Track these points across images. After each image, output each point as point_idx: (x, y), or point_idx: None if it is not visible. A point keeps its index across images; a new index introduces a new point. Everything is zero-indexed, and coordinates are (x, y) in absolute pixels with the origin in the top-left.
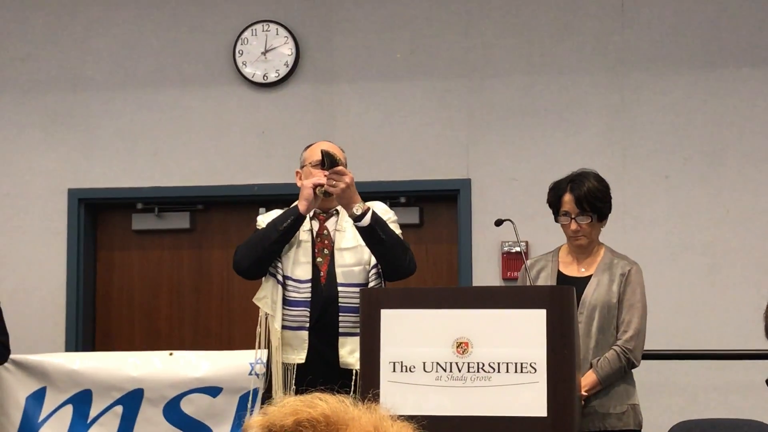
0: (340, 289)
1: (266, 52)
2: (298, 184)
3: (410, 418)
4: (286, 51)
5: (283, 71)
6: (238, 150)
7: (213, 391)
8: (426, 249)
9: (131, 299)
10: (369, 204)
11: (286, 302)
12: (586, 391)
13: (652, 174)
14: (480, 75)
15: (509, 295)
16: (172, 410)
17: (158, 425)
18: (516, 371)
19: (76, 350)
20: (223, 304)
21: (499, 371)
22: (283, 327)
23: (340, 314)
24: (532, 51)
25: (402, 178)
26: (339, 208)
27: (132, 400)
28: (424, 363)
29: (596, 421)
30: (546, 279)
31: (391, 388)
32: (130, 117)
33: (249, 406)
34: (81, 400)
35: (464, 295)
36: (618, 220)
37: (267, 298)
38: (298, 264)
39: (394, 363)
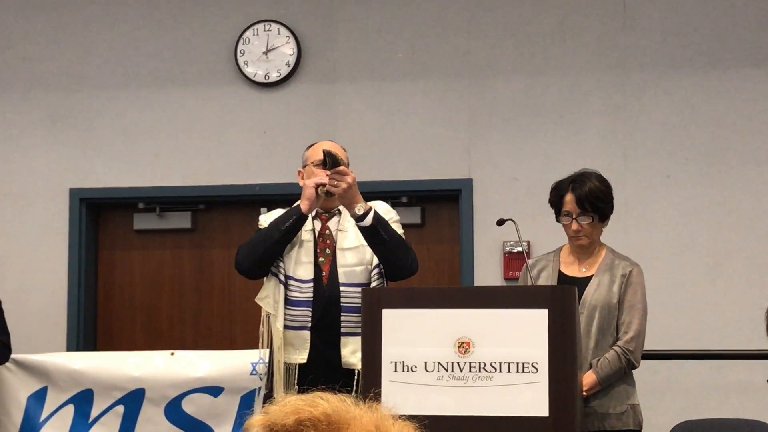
0: (342, 289)
1: (268, 51)
2: (300, 184)
3: (412, 418)
4: (287, 51)
5: (285, 71)
6: (240, 150)
7: (214, 390)
8: (427, 249)
9: (132, 299)
10: (371, 204)
11: (288, 302)
12: (585, 391)
13: (654, 174)
14: (482, 75)
15: (511, 295)
16: (174, 410)
17: (159, 425)
18: (517, 371)
19: (78, 350)
20: (225, 303)
21: (500, 371)
22: (285, 327)
23: (342, 314)
24: (534, 51)
25: (403, 178)
26: (341, 207)
27: (133, 400)
28: (425, 363)
29: (596, 421)
30: (547, 279)
31: (392, 388)
32: (131, 117)
33: (250, 405)
34: (82, 400)
35: (466, 295)
36: (620, 220)
37: (269, 297)
38: (300, 264)
39: (396, 363)
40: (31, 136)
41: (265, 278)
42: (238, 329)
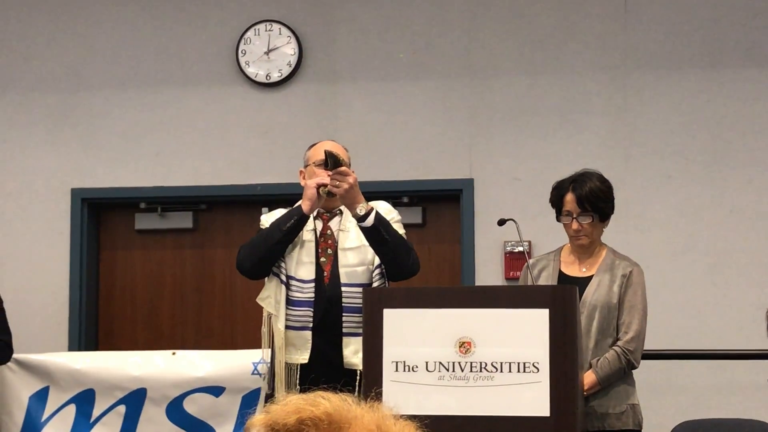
0: (343, 289)
1: (269, 51)
2: (302, 184)
3: (413, 418)
4: (288, 51)
5: (286, 71)
6: (241, 150)
7: (216, 390)
8: (429, 249)
9: (134, 299)
10: (373, 204)
11: (290, 302)
12: (585, 391)
13: (655, 174)
14: (483, 75)
15: (512, 295)
16: (175, 410)
17: (161, 425)
18: (519, 371)
19: (79, 350)
20: (226, 303)
21: (501, 371)
22: (287, 327)
23: (343, 314)
24: (535, 51)
25: (405, 178)
26: (342, 207)
27: (135, 400)
28: (426, 362)
29: (595, 421)
30: (547, 278)
31: (393, 388)
32: (133, 117)
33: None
34: (84, 400)
35: (467, 295)
36: (621, 220)
37: (270, 298)
38: (302, 264)
39: (397, 362)
40: (32, 136)
41: (266, 278)
42: (240, 329)
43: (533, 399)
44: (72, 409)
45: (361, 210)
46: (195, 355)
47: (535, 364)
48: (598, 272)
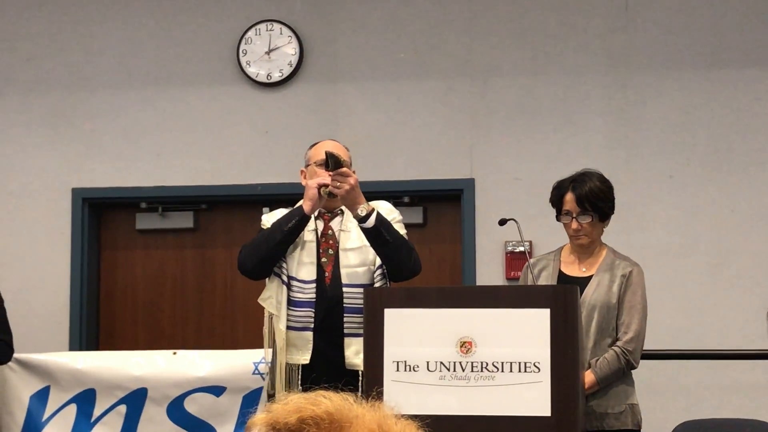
0: (344, 289)
1: (270, 51)
2: (303, 183)
3: (414, 418)
4: (289, 51)
5: (287, 71)
6: (242, 149)
7: (216, 390)
8: (429, 249)
9: (135, 298)
10: (374, 203)
11: (291, 303)
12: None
13: (656, 174)
14: (484, 75)
15: (513, 295)
16: (176, 409)
17: (162, 424)
18: (520, 371)
19: (80, 349)
20: (227, 303)
21: (502, 371)
22: (288, 327)
23: (344, 315)
24: (536, 51)
25: (405, 178)
26: (344, 207)
27: (135, 400)
28: (427, 362)
29: (594, 421)
30: (547, 278)
31: (394, 388)
32: (133, 116)
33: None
34: (85, 400)
35: (468, 295)
36: (622, 219)
37: (272, 298)
38: (303, 264)
39: (398, 362)
40: (33, 136)
41: (267, 279)
42: (240, 329)
43: (534, 399)
44: (73, 408)
45: (362, 211)
46: (196, 354)
47: (536, 364)
48: (597, 272)
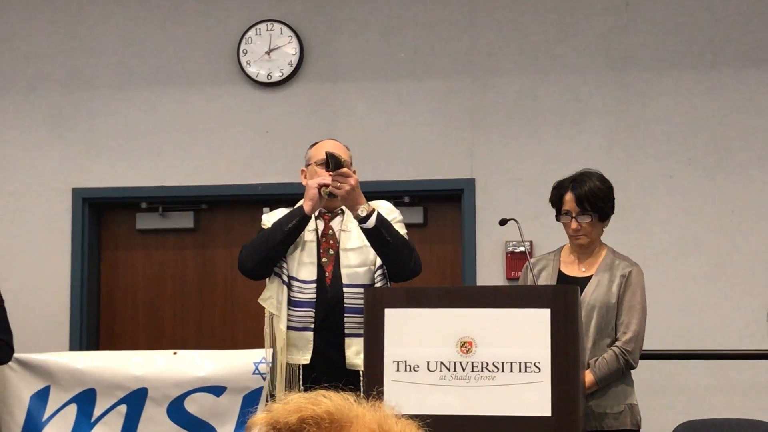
0: (345, 290)
1: (270, 51)
2: (303, 183)
3: (414, 417)
4: (290, 50)
5: (287, 71)
6: (242, 149)
7: (217, 390)
8: (430, 249)
9: (135, 298)
10: (374, 203)
11: (291, 303)
12: None
13: (657, 174)
14: (484, 75)
15: (513, 295)
16: (176, 409)
17: (162, 424)
18: (520, 371)
19: (80, 349)
20: (227, 303)
21: (503, 371)
22: (288, 328)
23: (345, 315)
24: (536, 51)
25: (406, 178)
26: (344, 207)
27: (136, 400)
28: (428, 362)
29: (593, 421)
30: (547, 278)
31: (394, 388)
32: (134, 116)
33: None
34: (85, 399)
35: (468, 295)
36: (622, 219)
37: (272, 298)
38: (303, 265)
39: (398, 362)
40: (33, 136)
41: (268, 279)
42: (241, 329)
43: (534, 399)
44: (73, 408)
45: (362, 211)
46: (196, 354)
47: (537, 364)
48: (597, 272)
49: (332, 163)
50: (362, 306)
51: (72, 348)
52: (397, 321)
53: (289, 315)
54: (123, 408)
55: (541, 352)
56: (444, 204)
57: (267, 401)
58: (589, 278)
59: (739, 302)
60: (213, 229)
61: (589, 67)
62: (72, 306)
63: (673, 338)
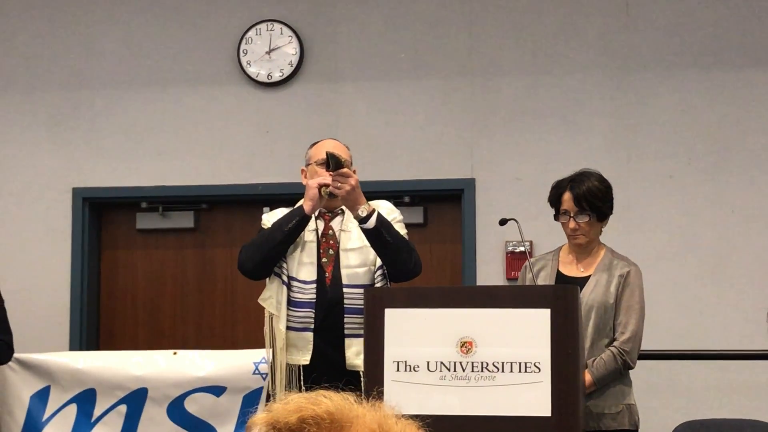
0: (345, 290)
1: (270, 51)
2: (303, 182)
3: (414, 418)
4: (290, 50)
5: (288, 71)
6: (243, 149)
7: (217, 390)
8: (430, 249)
9: (135, 298)
10: (374, 203)
11: (291, 303)
12: None
13: (657, 174)
14: (484, 75)
15: (513, 295)
16: (176, 409)
17: (162, 424)
18: (520, 371)
19: (80, 349)
20: (227, 303)
21: (503, 371)
22: (288, 328)
23: (345, 316)
24: (537, 51)
25: (406, 178)
26: (344, 207)
27: (136, 400)
28: (428, 362)
29: (591, 422)
30: (545, 278)
31: (395, 388)
32: (134, 116)
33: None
34: (85, 399)
35: (468, 295)
36: (622, 219)
37: (272, 298)
38: (303, 265)
39: (398, 362)
40: (34, 136)
41: (268, 279)
42: (241, 329)
43: (535, 399)
44: (73, 408)
45: (362, 211)
46: (196, 354)
47: (537, 364)
48: (595, 272)
49: (332, 163)
50: (362, 306)
51: (72, 348)
52: (397, 321)
53: (288, 315)
54: (123, 408)
55: (541, 352)
56: (444, 204)
57: (267, 401)
58: (587, 278)
59: (738, 302)
60: (213, 229)
61: (590, 67)
62: (72, 306)
63: (672, 338)
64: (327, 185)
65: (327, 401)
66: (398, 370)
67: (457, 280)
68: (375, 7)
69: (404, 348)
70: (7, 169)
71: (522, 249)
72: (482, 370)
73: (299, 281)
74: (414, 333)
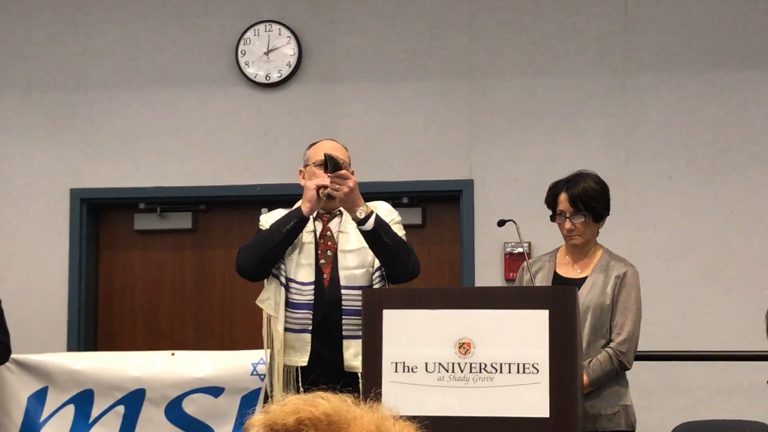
0: (343, 292)
1: (269, 52)
2: (302, 183)
3: (412, 419)
4: (288, 51)
5: (286, 71)
6: (241, 150)
7: (215, 391)
8: (428, 249)
9: (133, 299)
10: (373, 204)
11: (289, 304)
12: None
13: (655, 175)
14: (483, 75)
15: (512, 296)
16: (174, 410)
17: (160, 425)
18: (518, 372)
19: (78, 350)
20: (225, 304)
21: (501, 372)
22: (286, 329)
23: (343, 317)
24: (535, 52)
25: (404, 179)
26: (342, 208)
27: (134, 400)
28: (426, 363)
29: (587, 423)
30: (542, 280)
31: (393, 389)
32: (132, 117)
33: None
34: (83, 400)
35: (467, 296)
36: (621, 221)
37: (270, 300)
38: (301, 266)
39: (397, 363)
40: (31, 137)
41: (266, 280)
42: (239, 329)
43: (533, 400)
44: (71, 409)
45: (361, 213)
46: (194, 355)
47: (535, 365)
48: (592, 273)
49: (331, 164)
50: (360, 308)
51: (70, 349)
52: (396, 322)
53: (286, 317)
54: (121, 409)
55: (540, 353)
56: (442, 205)
57: (265, 402)
58: (584, 279)
59: (737, 303)
60: (211, 230)
61: (588, 68)
62: (70, 306)
63: (671, 339)
64: (325, 187)
65: (324, 403)
66: (396, 371)
67: (455, 281)
68: (374, 8)
69: (402, 349)
70: (5, 170)
71: (520, 250)
72: (480, 371)
73: (297, 283)
74: (412, 334)
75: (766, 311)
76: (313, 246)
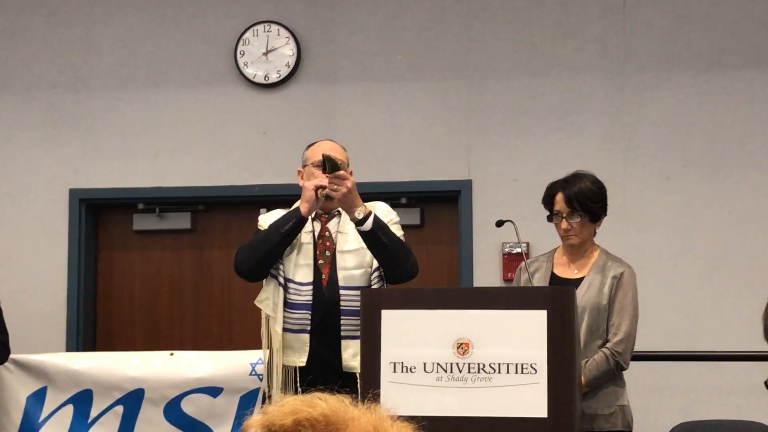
0: (341, 292)
1: (267, 52)
2: (300, 184)
3: (411, 419)
4: (287, 52)
5: (285, 72)
6: (239, 150)
7: (213, 391)
8: (427, 250)
9: (132, 299)
10: (371, 204)
11: (287, 305)
12: None
13: (653, 176)
14: (481, 76)
15: (510, 296)
16: (173, 410)
17: (159, 425)
18: (516, 372)
19: (77, 350)
20: (224, 304)
21: (499, 372)
22: (284, 330)
23: (341, 317)
24: (534, 52)
25: (403, 179)
26: (341, 209)
27: (132, 400)
28: (424, 363)
29: (584, 423)
30: (540, 280)
31: (391, 389)
32: (131, 117)
33: (249, 406)
34: (82, 400)
35: (465, 296)
36: (619, 221)
37: (268, 300)
38: (299, 267)
39: (395, 363)
40: (30, 137)
41: (264, 280)
42: (238, 330)
43: (531, 400)
44: (70, 409)
45: (359, 214)
46: (193, 355)
47: (533, 366)
48: (589, 273)
49: (329, 165)
50: (359, 308)
51: (69, 349)
52: (394, 322)
53: (285, 317)
54: (120, 409)
55: (538, 353)
56: (441, 205)
57: (263, 404)
58: (581, 280)
59: (735, 303)
60: (210, 230)
61: (586, 68)
62: (69, 307)
63: (669, 339)
64: (324, 187)
65: (322, 403)
66: (395, 371)
67: (453, 282)
68: (372, 9)
69: (401, 349)
70: (4, 170)
71: (519, 250)
72: (479, 372)
73: (296, 283)
74: (411, 334)
75: (764, 312)
76: (311, 246)
